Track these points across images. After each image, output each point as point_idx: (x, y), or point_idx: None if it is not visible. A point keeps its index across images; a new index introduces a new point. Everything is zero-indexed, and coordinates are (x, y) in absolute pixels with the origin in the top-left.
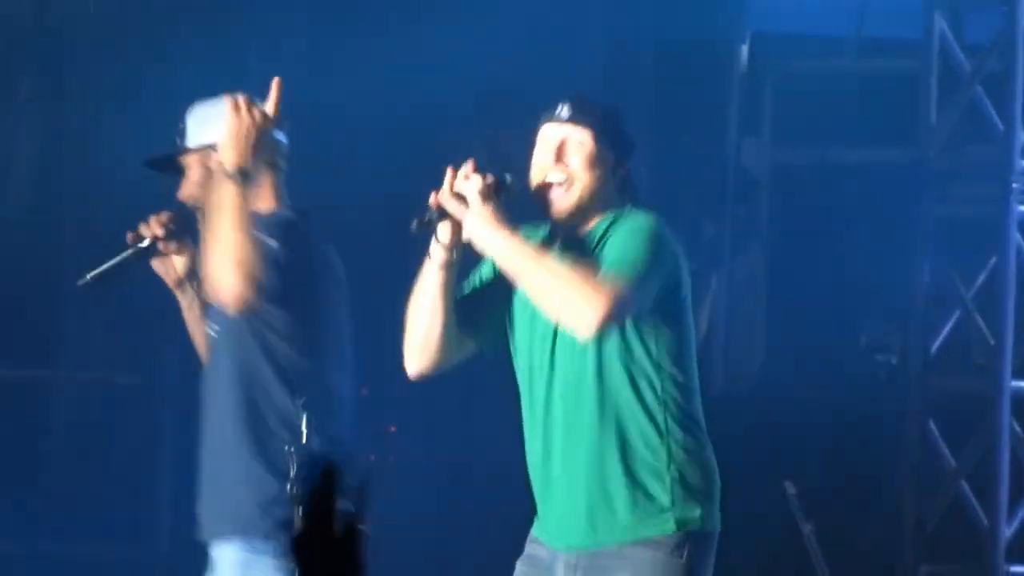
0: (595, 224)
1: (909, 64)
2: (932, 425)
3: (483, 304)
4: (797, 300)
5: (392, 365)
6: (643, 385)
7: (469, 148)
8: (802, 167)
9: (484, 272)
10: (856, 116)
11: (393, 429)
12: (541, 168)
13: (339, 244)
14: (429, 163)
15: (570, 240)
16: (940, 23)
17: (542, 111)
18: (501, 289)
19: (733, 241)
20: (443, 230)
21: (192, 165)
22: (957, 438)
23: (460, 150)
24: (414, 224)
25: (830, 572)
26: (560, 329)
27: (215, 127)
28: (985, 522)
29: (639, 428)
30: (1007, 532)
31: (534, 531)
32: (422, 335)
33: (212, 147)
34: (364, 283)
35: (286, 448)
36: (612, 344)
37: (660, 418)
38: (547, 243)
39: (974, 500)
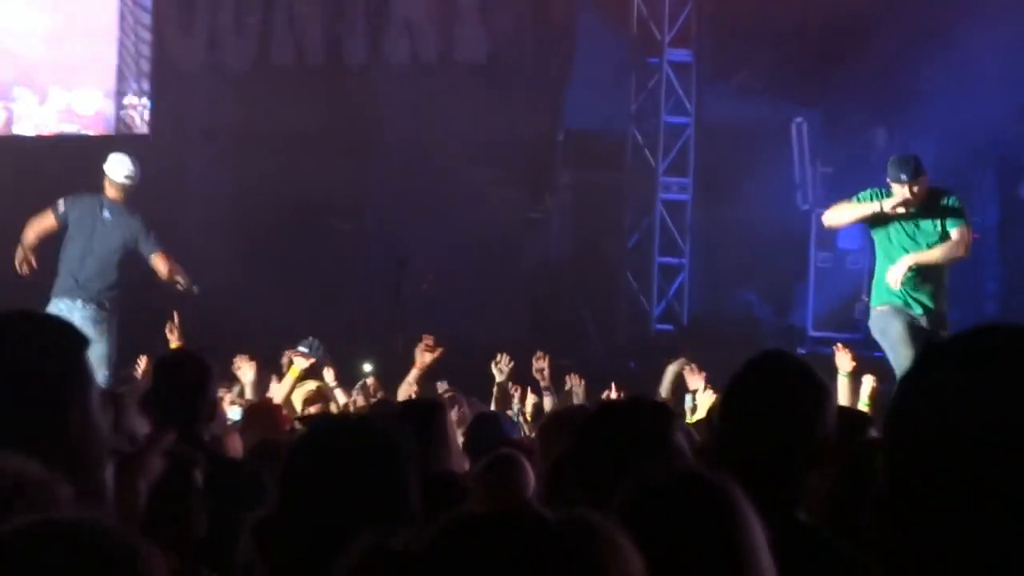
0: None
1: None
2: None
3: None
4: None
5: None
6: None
7: None
8: (600, 181)
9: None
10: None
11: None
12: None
13: None
14: None
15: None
16: (632, 131)
17: (891, 175)
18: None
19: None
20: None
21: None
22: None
23: None
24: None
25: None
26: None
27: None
28: (644, 304)
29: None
30: (656, 311)
31: (902, 304)
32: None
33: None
34: None
35: None
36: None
37: None
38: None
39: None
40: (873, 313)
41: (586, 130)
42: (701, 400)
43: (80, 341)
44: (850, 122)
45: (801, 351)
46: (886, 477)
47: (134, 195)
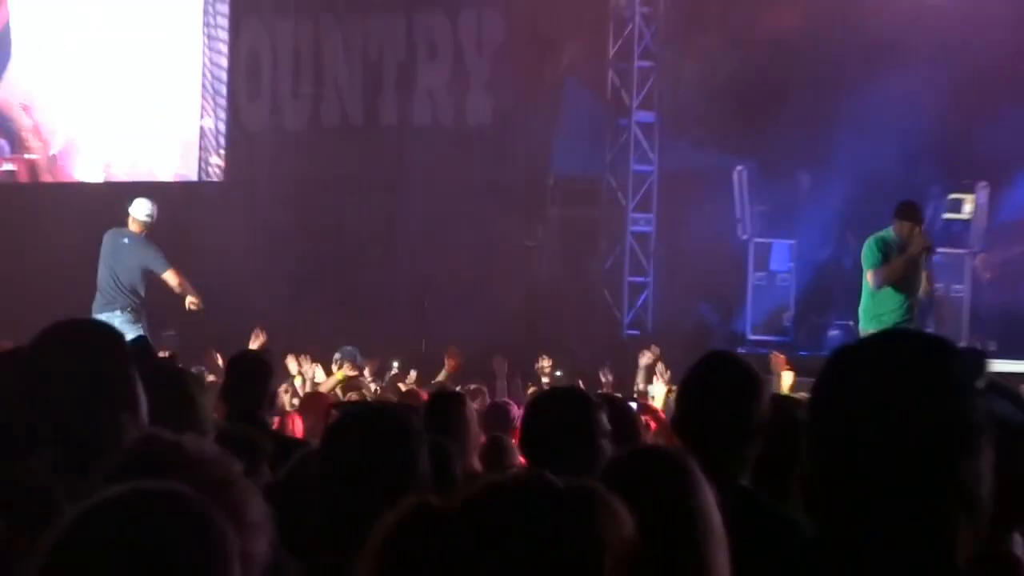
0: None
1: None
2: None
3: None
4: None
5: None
6: None
7: None
8: (582, 216)
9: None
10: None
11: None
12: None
13: None
14: None
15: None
16: (607, 177)
17: (904, 215)
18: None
19: None
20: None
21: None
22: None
23: None
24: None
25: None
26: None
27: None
28: (616, 314)
29: None
30: (626, 319)
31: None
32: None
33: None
34: None
35: None
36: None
37: None
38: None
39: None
40: (863, 335)
41: (571, 176)
42: (654, 390)
43: (118, 335)
44: (780, 169)
45: (742, 351)
46: (808, 453)
47: (155, 229)
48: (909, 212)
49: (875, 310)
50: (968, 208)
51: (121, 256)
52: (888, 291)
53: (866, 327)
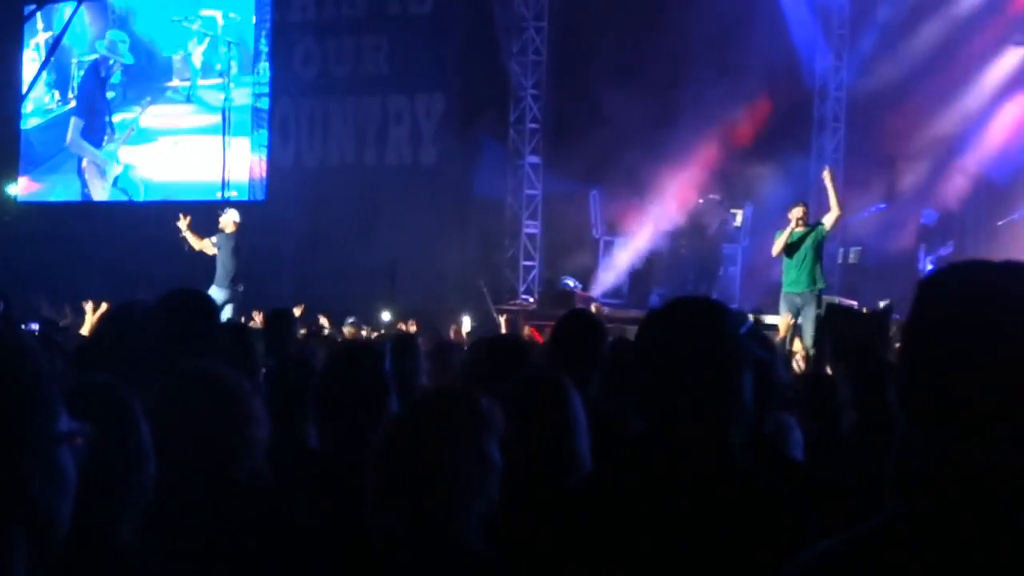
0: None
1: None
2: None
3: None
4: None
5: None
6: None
7: None
8: (493, 221)
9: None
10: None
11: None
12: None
13: None
14: None
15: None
16: (509, 198)
17: (795, 206)
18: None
19: None
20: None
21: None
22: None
23: None
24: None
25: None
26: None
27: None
28: (515, 285)
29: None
30: (521, 288)
31: (788, 290)
32: (782, 247)
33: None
34: None
35: None
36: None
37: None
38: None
39: None
40: (782, 294)
41: (486, 197)
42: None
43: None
44: (620, 194)
45: (593, 307)
46: (640, 377)
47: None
48: (796, 202)
49: (785, 273)
50: (739, 219)
51: (220, 250)
52: (785, 260)
53: (784, 290)
